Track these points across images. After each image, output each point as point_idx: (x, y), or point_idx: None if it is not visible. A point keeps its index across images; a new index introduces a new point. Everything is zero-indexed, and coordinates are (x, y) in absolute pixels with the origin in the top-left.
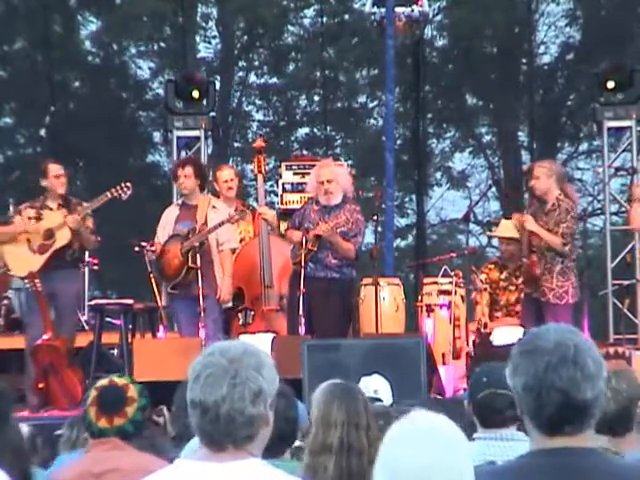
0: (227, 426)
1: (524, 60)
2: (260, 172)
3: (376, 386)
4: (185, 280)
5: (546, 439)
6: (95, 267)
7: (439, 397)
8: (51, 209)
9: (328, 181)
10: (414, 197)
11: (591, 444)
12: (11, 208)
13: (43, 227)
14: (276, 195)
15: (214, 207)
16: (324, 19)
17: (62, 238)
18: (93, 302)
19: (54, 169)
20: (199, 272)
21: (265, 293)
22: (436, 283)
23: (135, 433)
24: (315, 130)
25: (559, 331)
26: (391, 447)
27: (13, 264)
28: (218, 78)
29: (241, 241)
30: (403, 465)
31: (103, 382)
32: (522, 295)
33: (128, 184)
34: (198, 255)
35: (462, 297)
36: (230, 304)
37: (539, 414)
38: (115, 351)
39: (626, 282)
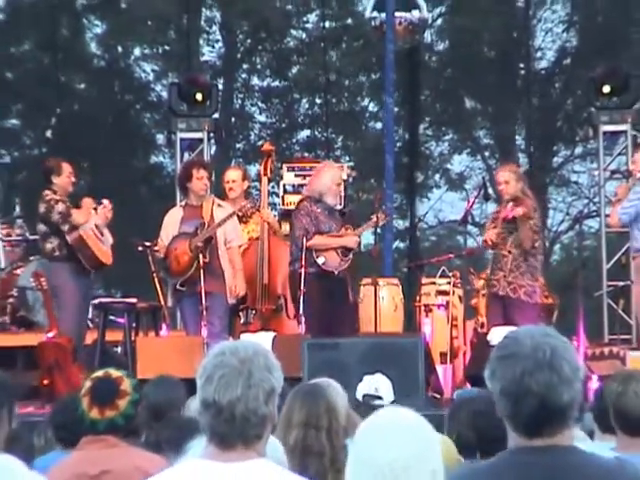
0: (241, 426)
1: (522, 65)
2: (265, 175)
3: (377, 384)
4: (195, 276)
5: (525, 439)
6: None
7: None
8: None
9: (341, 184)
10: (414, 199)
11: (569, 442)
12: (17, 208)
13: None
14: (277, 196)
15: (219, 205)
16: (326, 23)
17: (108, 237)
18: (97, 301)
19: (68, 168)
20: (203, 270)
21: (261, 292)
22: (434, 283)
23: (126, 426)
24: (316, 132)
25: (536, 335)
26: (362, 442)
27: (100, 254)
28: (221, 81)
29: (249, 240)
30: (374, 459)
31: (98, 374)
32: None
33: None
34: (207, 250)
35: (460, 297)
36: (234, 302)
37: (517, 418)
38: (119, 349)
39: (621, 283)
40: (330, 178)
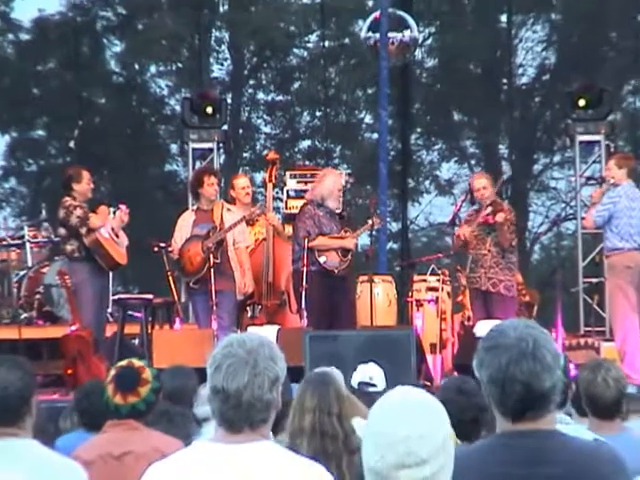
0: (248, 411)
1: (504, 80)
2: (270, 181)
3: (371, 373)
4: (207, 275)
5: (511, 423)
6: None
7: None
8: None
9: (341, 189)
10: (406, 204)
11: (551, 426)
12: (43, 212)
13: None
14: (281, 201)
15: (228, 210)
16: (326, 43)
17: (124, 239)
18: (116, 297)
19: (87, 176)
20: (214, 270)
21: (267, 289)
22: (425, 280)
23: (147, 412)
24: (316, 142)
25: (519, 327)
26: (377, 419)
27: (116, 254)
28: (229, 95)
29: (256, 241)
30: (388, 435)
31: (122, 363)
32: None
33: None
34: (218, 252)
35: (448, 293)
36: (242, 298)
37: (504, 403)
38: (136, 341)
39: (595, 280)
40: (332, 183)
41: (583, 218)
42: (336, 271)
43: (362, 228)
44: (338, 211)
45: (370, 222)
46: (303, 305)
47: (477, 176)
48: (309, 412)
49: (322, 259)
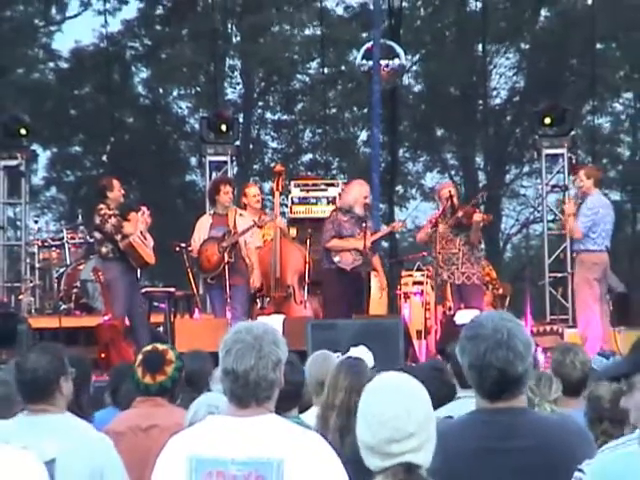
0: (254, 389)
1: (480, 102)
2: (277, 190)
3: (360, 354)
4: (222, 272)
5: (488, 402)
6: None
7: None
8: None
9: (367, 197)
10: (393, 209)
11: (523, 404)
12: (80, 217)
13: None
14: (286, 206)
15: (241, 215)
16: (325, 69)
17: (150, 240)
18: (143, 290)
19: (118, 184)
20: (229, 267)
21: (274, 283)
22: (411, 275)
23: (172, 388)
24: (317, 156)
25: (495, 319)
26: (367, 400)
27: (145, 255)
28: (241, 115)
29: (264, 242)
30: (379, 415)
31: (148, 348)
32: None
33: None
34: (233, 252)
35: (432, 286)
36: (252, 291)
37: (482, 386)
38: (161, 328)
39: (559, 275)
40: (357, 192)
41: (550, 221)
42: (349, 269)
43: (381, 232)
44: (364, 216)
45: (392, 225)
46: (306, 296)
47: (444, 185)
48: (341, 390)
49: (336, 259)
